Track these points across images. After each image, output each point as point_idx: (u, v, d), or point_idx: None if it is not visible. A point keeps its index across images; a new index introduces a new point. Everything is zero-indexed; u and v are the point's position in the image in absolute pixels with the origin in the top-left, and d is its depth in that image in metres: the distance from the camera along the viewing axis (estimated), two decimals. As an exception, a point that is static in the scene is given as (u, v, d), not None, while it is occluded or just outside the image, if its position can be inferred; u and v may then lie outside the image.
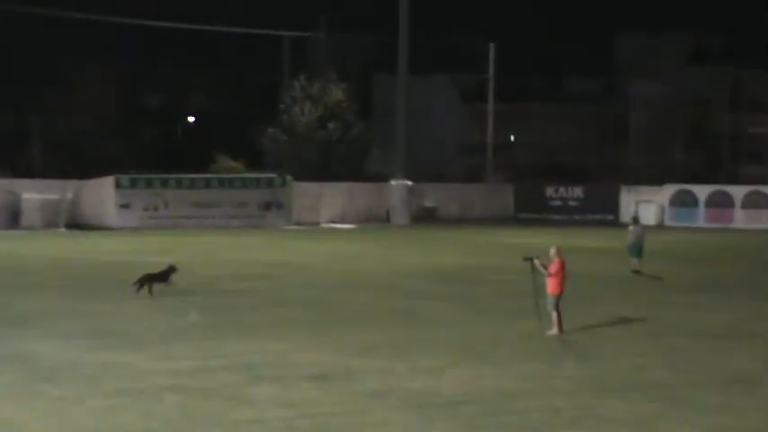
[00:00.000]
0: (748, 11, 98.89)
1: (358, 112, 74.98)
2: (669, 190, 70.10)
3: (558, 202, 72.71)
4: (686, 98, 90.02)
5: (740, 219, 66.94)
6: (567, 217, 71.18)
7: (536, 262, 25.08)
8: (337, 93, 73.55)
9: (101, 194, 61.29)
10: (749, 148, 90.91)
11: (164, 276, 31.51)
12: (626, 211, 66.44)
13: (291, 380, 19.64)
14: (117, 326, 25.65)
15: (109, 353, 22.01)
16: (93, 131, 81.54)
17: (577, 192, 72.56)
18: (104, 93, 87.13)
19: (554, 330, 24.59)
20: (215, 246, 49.78)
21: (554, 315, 24.70)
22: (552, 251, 24.91)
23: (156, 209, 61.34)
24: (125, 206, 60.76)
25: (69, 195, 61.00)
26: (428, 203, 71.87)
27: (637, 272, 38.13)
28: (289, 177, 65.25)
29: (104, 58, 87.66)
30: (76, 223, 60.12)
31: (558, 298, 24.66)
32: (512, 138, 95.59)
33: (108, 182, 61.21)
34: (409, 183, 69.34)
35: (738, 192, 68.39)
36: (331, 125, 72.42)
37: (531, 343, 23.75)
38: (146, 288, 30.83)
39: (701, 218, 68.03)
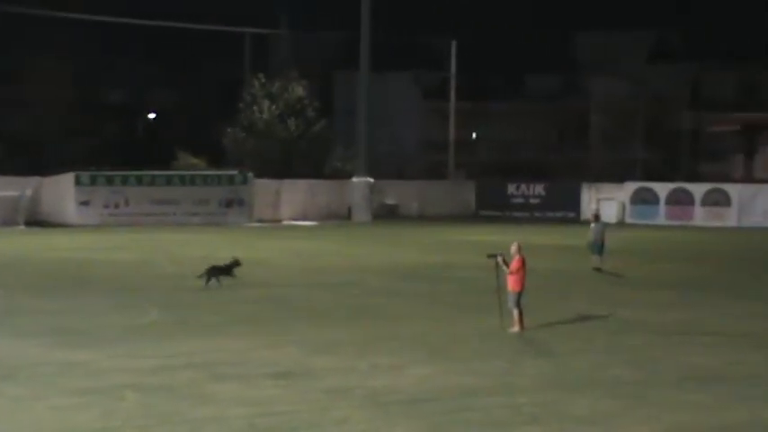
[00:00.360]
0: (709, 10, 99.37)
1: (319, 109, 74.84)
2: (630, 187, 70.39)
3: (519, 200, 72.87)
4: (647, 96, 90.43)
5: (700, 216, 67.30)
6: (529, 214, 71.32)
7: (499, 259, 25.10)
8: (298, 90, 73.40)
9: (60, 191, 60.93)
10: (709, 146, 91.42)
11: (228, 269, 32.17)
12: (587, 209, 66.60)
13: (252, 378, 19.60)
14: (77, 324, 25.51)
15: (69, 351, 21.89)
16: (53, 128, 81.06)
17: (539, 189, 72.75)
18: (64, 88, 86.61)
19: (515, 328, 24.65)
20: (176, 243, 49.60)
21: (515, 312, 24.76)
22: (513, 248, 24.96)
23: (116, 206, 61.04)
24: (85, 203, 60.44)
25: (29, 192, 60.52)
26: (389, 201, 71.89)
27: (598, 269, 38.26)
28: (250, 175, 65.11)
29: (65, 54, 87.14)
30: (36, 220, 59.74)
31: (519, 295, 24.72)
32: (473, 135, 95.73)
33: (68, 179, 60.85)
34: (371, 180, 69.30)
35: (698, 189, 68.73)
36: (291, 122, 72.25)
37: (492, 340, 23.80)
38: (213, 280, 31.99)
39: (661, 215, 68.36)
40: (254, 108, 72.74)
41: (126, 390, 18.48)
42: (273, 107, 72.37)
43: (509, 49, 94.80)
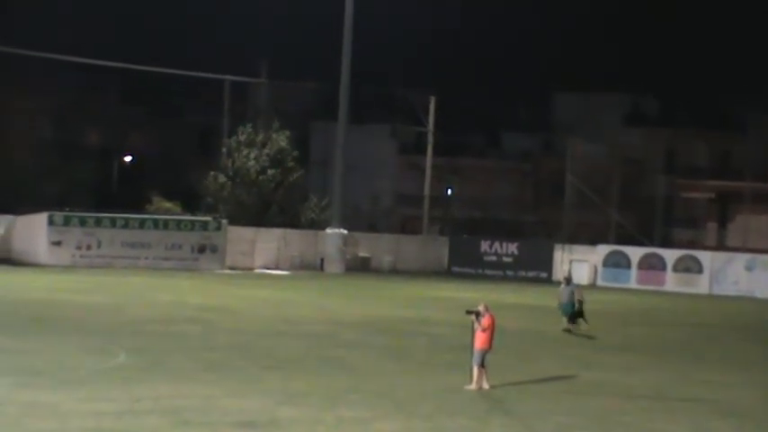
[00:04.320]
0: (685, 78, 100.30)
1: (298, 160, 74.72)
2: (603, 250, 70.58)
3: (492, 258, 72.86)
4: (622, 159, 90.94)
5: (671, 282, 67.47)
6: (501, 273, 71.38)
7: (472, 317, 25.02)
8: (281, 140, 73.21)
9: (33, 231, 60.65)
10: (682, 212, 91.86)
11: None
12: (560, 269, 66.78)
13: (218, 426, 19.49)
14: (43, 365, 25.33)
15: (33, 392, 21.72)
16: (29, 166, 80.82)
17: (512, 248, 72.76)
18: (42, 127, 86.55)
19: (473, 385, 24.58)
20: (146, 287, 49.42)
21: (476, 370, 24.69)
22: (481, 308, 24.90)
23: (88, 247, 60.77)
24: (57, 243, 60.15)
25: (1, 230, 60.30)
26: (363, 253, 71.83)
27: (568, 330, 38.28)
28: (224, 221, 65.05)
29: (43, 93, 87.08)
30: (7, 259, 59.43)
31: (485, 353, 24.69)
32: (448, 191, 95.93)
33: (41, 218, 60.59)
34: (344, 231, 69.27)
35: (670, 255, 68.99)
36: (272, 171, 72.03)
37: (459, 397, 23.75)
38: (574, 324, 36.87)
39: (633, 279, 68.50)
40: (243, 155, 72.30)
41: (89, 433, 18.36)
42: (263, 157, 72.10)
43: (487, 107, 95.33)
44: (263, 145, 72.74)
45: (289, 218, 72.50)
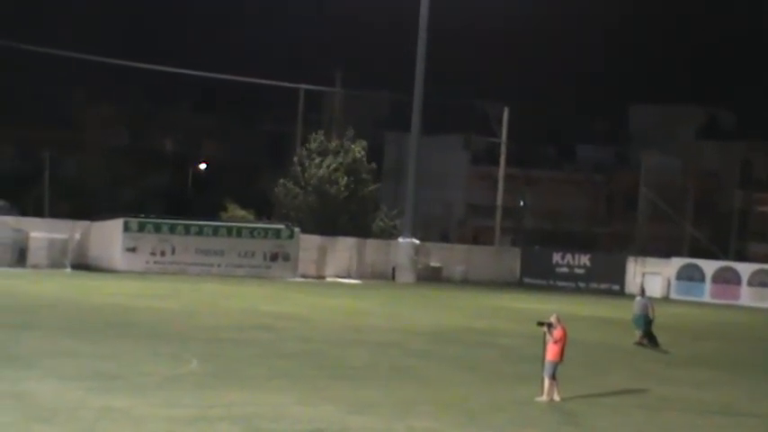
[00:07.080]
0: (761, 89, 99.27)
1: (374, 172, 74.67)
2: (676, 263, 70.01)
3: (564, 269, 72.59)
4: (697, 172, 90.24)
5: (746, 296, 66.73)
6: (573, 284, 71.06)
7: (544, 328, 24.95)
8: (357, 150, 73.32)
9: (108, 236, 61.25)
10: (758, 226, 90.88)
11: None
12: (632, 282, 66.34)
13: (288, 434, 19.57)
14: (117, 369, 25.59)
15: (108, 396, 21.94)
16: (105, 173, 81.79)
17: (584, 260, 72.46)
18: (119, 135, 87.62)
19: (544, 397, 24.49)
20: (219, 294, 49.73)
21: (547, 382, 24.60)
22: (552, 319, 24.84)
23: (162, 254, 61.26)
24: (132, 249, 60.70)
25: (77, 236, 60.98)
26: (434, 263, 71.82)
27: (641, 344, 37.99)
28: (297, 229, 65.27)
29: (119, 101, 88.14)
30: (82, 264, 60.09)
31: (557, 365, 24.60)
32: (521, 202, 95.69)
33: (116, 224, 61.17)
34: (416, 241, 69.31)
35: (745, 269, 68.24)
36: (344, 181, 72.10)
37: (530, 409, 23.67)
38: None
39: (706, 293, 67.87)
40: (311, 163, 72.64)
41: (162, 438, 18.51)
42: (332, 165, 72.28)
43: (561, 119, 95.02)
44: (336, 153, 72.91)
45: (360, 227, 72.65)
